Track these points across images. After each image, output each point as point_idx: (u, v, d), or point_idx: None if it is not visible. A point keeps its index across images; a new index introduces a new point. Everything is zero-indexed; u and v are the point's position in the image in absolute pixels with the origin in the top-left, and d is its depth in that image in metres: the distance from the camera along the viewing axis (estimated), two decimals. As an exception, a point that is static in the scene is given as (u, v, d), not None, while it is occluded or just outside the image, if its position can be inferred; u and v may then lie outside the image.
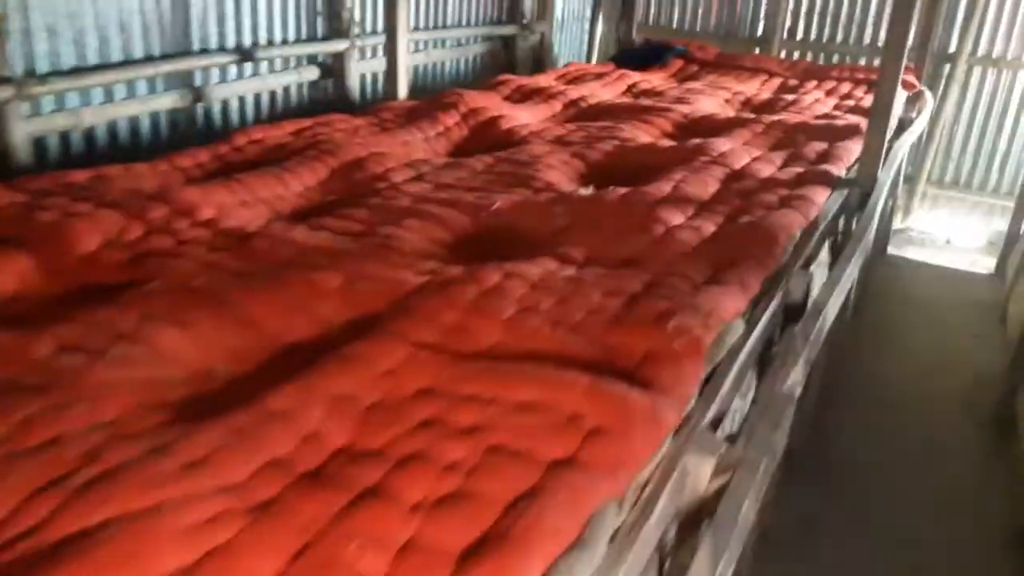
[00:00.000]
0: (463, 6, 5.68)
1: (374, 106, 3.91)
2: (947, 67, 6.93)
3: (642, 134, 3.58)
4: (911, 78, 5.50)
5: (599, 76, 5.11)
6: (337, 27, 4.39)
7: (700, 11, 7.70)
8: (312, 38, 4.31)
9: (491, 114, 3.67)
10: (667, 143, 3.48)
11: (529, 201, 2.50)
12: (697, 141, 3.35)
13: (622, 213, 2.42)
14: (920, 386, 4.29)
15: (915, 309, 5.26)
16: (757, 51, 7.46)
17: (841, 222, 2.97)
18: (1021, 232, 5.70)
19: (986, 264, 6.37)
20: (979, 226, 7.15)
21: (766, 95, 4.93)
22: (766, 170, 3.08)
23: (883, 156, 3.26)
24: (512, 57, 6.26)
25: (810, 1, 7.25)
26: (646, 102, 4.34)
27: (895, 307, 5.28)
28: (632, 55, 6.18)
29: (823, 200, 2.79)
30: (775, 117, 4.11)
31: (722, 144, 3.32)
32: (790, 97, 4.82)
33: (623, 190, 2.61)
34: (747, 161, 3.18)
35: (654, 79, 5.28)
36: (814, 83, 5.43)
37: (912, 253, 6.58)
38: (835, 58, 7.30)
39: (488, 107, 3.76)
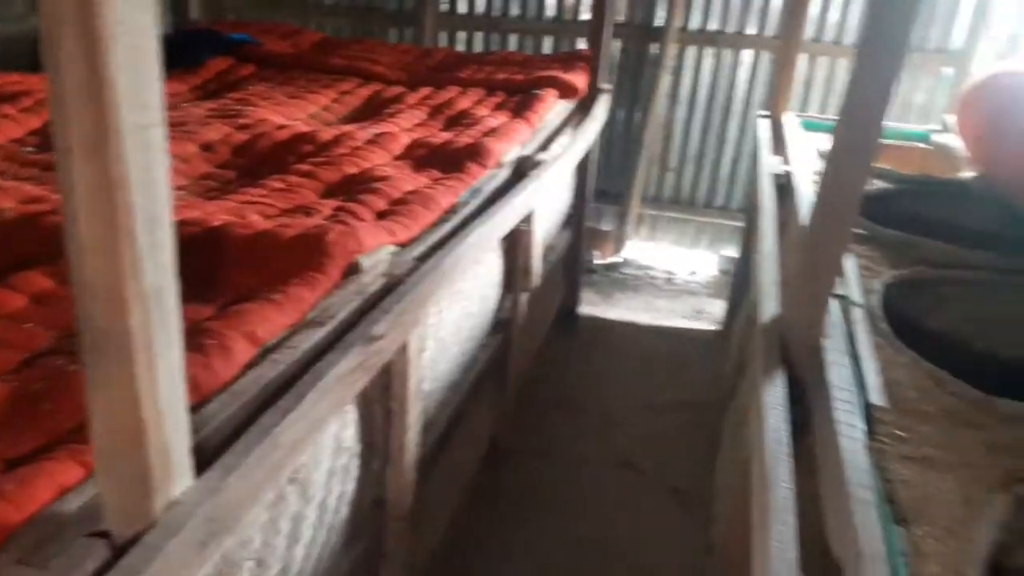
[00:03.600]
0: None
1: None
2: (654, 48, 5.20)
3: None
4: (573, 77, 3.60)
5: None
6: None
7: (334, -23, 5.52)
8: None
9: None
10: None
11: None
12: None
13: None
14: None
15: (592, 439, 3.44)
16: (398, 34, 5.42)
17: None
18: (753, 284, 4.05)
19: (714, 312, 4.75)
20: (708, 253, 5.56)
21: (333, 126, 2.82)
22: None
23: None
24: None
25: (473, -39, 5.27)
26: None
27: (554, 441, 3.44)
28: (177, 47, 3.87)
29: None
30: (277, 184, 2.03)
31: None
32: (359, 133, 2.74)
33: None
34: None
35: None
36: (426, 91, 3.41)
37: (621, 303, 4.84)
38: (512, 41, 5.39)
39: None
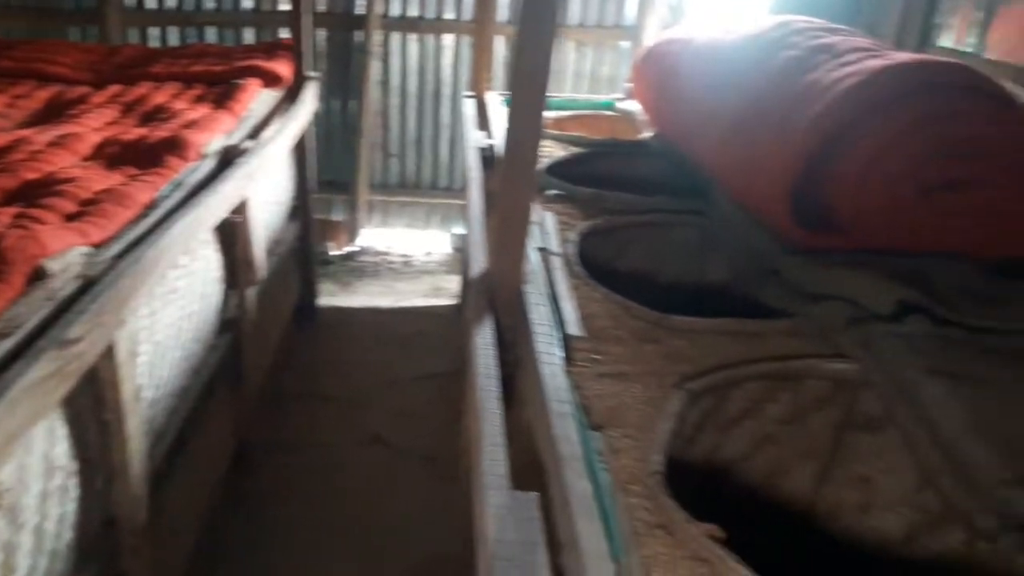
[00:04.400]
0: None
1: None
2: (359, 35, 5.24)
3: None
4: (276, 65, 3.55)
5: None
6: None
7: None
8: None
9: None
10: None
11: None
12: None
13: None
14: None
15: (347, 419, 3.46)
16: (81, 33, 4.99)
17: None
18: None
19: (451, 287, 4.93)
20: (441, 232, 5.75)
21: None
22: None
23: None
24: None
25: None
26: None
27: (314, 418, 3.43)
28: None
29: None
30: None
31: None
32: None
33: None
34: None
35: None
36: (116, 88, 3.18)
37: (361, 291, 4.87)
38: (211, 34, 5.16)
39: None
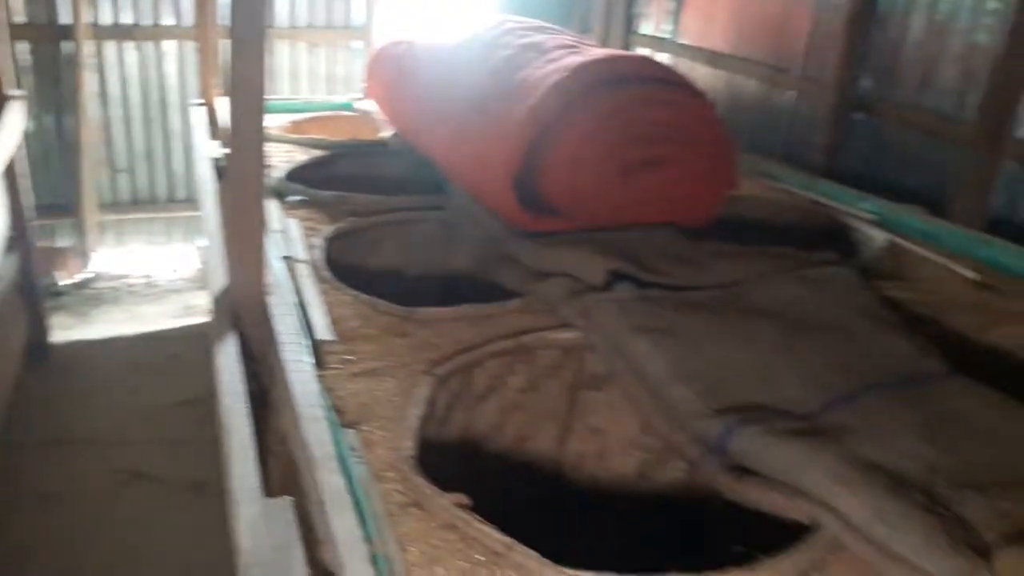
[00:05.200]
0: None
1: None
2: (68, 47, 4.82)
3: None
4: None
5: None
6: None
7: None
8: None
9: None
10: None
11: None
12: None
13: None
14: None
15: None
16: None
17: None
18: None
19: (204, 305, 4.71)
20: (187, 247, 5.46)
21: None
22: None
23: None
24: None
25: None
26: None
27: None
28: None
29: None
30: None
31: None
32: None
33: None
34: None
35: None
36: None
37: (100, 320, 4.52)
38: None
39: None
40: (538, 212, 2.29)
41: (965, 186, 2.89)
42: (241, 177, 1.77)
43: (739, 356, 1.72)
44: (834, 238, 2.57)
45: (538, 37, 2.72)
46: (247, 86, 1.69)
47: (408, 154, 3.23)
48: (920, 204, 2.84)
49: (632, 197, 2.27)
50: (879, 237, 2.54)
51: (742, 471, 1.44)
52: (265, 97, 1.75)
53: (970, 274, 2.32)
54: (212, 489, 3.04)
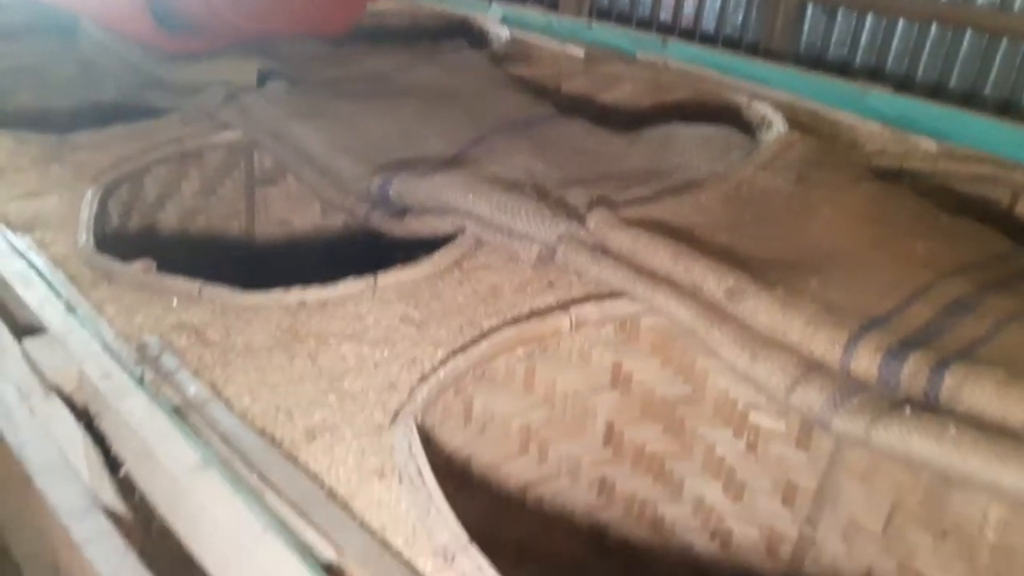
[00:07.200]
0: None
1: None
2: None
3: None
4: None
5: None
6: None
7: None
8: None
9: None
10: None
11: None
12: None
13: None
14: None
15: None
16: None
17: None
18: None
19: None
20: None
21: None
22: None
23: None
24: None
25: None
26: None
27: None
28: None
29: None
30: None
31: None
32: None
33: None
34: None
35: None
36: None
37: None
38: None
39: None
40: (181, 32, 2.28)
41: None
42: None
43: (389, 127, 1.95)
44: (467, 35, 2.88)
45: None
46: None
47: (31, 5, 2.92)
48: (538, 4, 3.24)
49: (275, 7, 2.34)
50: (504, 32, 2.89)
51: (403, 213, 1.71)
52: None
53: (581, 53, 2.75)
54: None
